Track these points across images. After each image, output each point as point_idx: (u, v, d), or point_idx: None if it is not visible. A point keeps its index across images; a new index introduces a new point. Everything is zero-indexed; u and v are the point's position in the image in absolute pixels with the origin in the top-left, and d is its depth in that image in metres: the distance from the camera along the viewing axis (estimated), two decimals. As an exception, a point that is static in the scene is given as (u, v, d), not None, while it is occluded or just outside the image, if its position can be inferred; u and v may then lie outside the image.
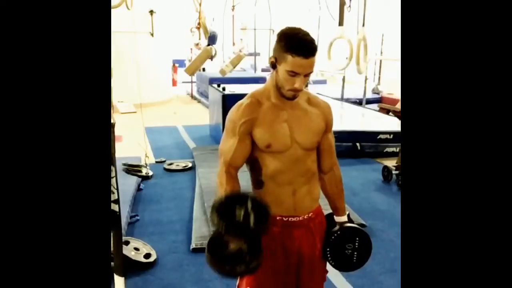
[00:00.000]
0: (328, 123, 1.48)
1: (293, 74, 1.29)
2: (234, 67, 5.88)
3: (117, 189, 2.09)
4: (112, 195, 2.07)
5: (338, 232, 1.51)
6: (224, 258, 1.24)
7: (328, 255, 1.52)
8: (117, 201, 2.09)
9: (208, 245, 1.26)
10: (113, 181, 2.05)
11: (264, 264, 1.44)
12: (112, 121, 2.04)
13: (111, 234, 2.15)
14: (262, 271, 1.45)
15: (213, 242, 1.26)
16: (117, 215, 2.11)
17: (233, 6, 9.04)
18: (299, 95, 1.40)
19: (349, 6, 5.31)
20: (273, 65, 1.35)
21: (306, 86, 1.41)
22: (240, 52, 5.94)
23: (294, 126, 1.40)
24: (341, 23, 5.38)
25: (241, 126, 1.38)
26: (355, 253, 1.53)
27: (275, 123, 1.38)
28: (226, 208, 1.23)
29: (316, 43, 1.31)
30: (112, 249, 2.17)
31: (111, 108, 2.10)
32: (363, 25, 5.19)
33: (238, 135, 1.39)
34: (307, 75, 1.32)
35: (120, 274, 2.23)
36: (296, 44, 1.27)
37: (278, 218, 1.43)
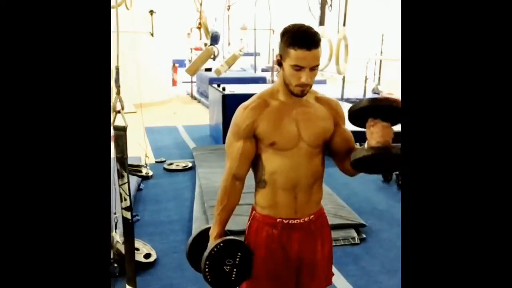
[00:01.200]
0: (338, 118, 1.46)
1: (298, 68, 1.28)
2: (230, 67, 5.88)
3: (130, 195, 2.02)
4: (124, 202, 2.00)
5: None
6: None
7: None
8: (129, 208, 2.01)
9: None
10: (125, 187, 1.98)
11: (263, 267, 1.44)
12: (124, 124, 1.96)
13: (125, 242, 2.07)
14: (261, 273, 1.45)
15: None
16: (129, 223, 2.03)
17: (229, 6, 9.06)
18: (308, 93, 1.39)
19: (330, 5, 5.27)
20: (279, 63, 1.34)
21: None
22: (236, 52, 5.92)
23: (301, 124, 1.38)
24: (322, 22, 5.34)
25: (244, 129, 1.37)
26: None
27: (282, 120, 1.37)
28: (217, 257, 1.41)
29: (319, 36, 1.30)
30: (125, 257, 2.10)
31: (122, 109, 2.04)
32: (344, 24, 5.15)
33: (243, 139, 1.39)
34: (313, 69, 1.30)
35: (132, 285, 2.16)
36: (297, 37, 1.27)
37: (278, 220, 1.42)
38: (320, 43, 1.29)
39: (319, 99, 1.45)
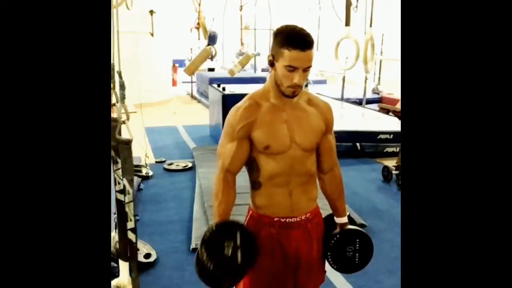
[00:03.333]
0: (328, 124, 1.46)
1: (291, 69, 1.28)
2: (243, 67, 5.91)
3: (123, 180, 2.13)
4: (117, 186, 2.11)
5: (338, 236, 1.49)
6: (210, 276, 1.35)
7: (330, 259, 1.50)
8: (122, 191, 2.13)
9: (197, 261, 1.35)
10: (119, 172, 2.12)
11: (261, 265, 1.44)
12: (124, 117, 2.11)
13: (118, 222, 2.20)
14: (259, 272, 1.45)
15: (201, 264, 1.33)
16: (122, 204, 2.15)
17: (241, 6, 9.07)
18: (300, 94, 1.38)
19: (356, 6, 5.34)
20: (271, 63, 1.34)
21: (306, 86, 1.40)
22: (249, 52, 5.97)
23: (293, 127, 1.38)
24: (347, 23, 5.42)
25: (239, 130, 1.36)
26: (357, 254, 1.51)
27: (274, 124, 1.37)
28: (215, 241, 1.33)
29: (312, 37, 1.30)
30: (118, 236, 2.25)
31: (117, 102, 2.11)
32: (371, 25, 5.23)
33: (237, 140, 1.38)
34: (305, 70, 1.30)
35: (124, 260, 2.27)
36: (292, 38, 1.27)
37: (275, 219, 1.42)
38: (313, 45, 1.29)
39: (311, 102, 1.44)
